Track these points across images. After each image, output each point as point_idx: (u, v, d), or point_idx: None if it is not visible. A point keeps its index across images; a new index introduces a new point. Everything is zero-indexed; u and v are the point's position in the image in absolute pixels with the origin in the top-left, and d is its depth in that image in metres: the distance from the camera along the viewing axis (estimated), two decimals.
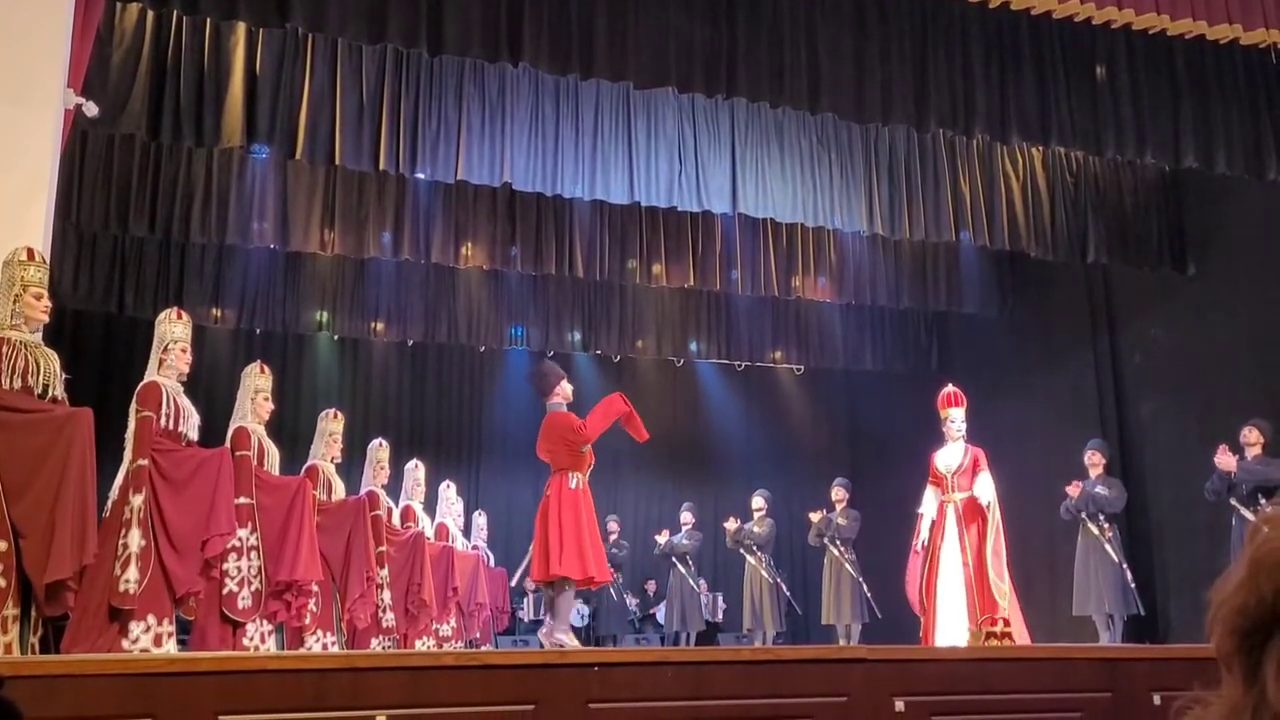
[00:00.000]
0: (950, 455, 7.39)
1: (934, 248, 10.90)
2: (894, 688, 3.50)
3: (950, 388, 7.60)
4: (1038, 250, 9.68)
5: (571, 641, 6.08)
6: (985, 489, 7.11)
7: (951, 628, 6.87)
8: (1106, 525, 8.71)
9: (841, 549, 10.53)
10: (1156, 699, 3.67)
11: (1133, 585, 8.53)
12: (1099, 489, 8.77)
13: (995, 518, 7.02)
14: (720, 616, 12.37)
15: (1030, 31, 7.68)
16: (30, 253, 4.34)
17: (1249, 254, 9.11)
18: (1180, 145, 7.92)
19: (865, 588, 10.39)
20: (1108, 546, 8.62)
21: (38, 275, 4.29)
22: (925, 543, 7.21)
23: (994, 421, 11.70)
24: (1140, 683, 3.75)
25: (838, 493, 10.85)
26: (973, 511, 7.12)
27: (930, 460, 7.52)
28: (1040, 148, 9.13)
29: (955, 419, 7.41)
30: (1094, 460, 8.96)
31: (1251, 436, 7.68)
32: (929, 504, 7.35)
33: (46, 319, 4.32)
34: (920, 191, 9.26)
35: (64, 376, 4.27)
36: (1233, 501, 7.56)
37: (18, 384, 4.06)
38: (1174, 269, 9.90)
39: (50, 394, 4.17)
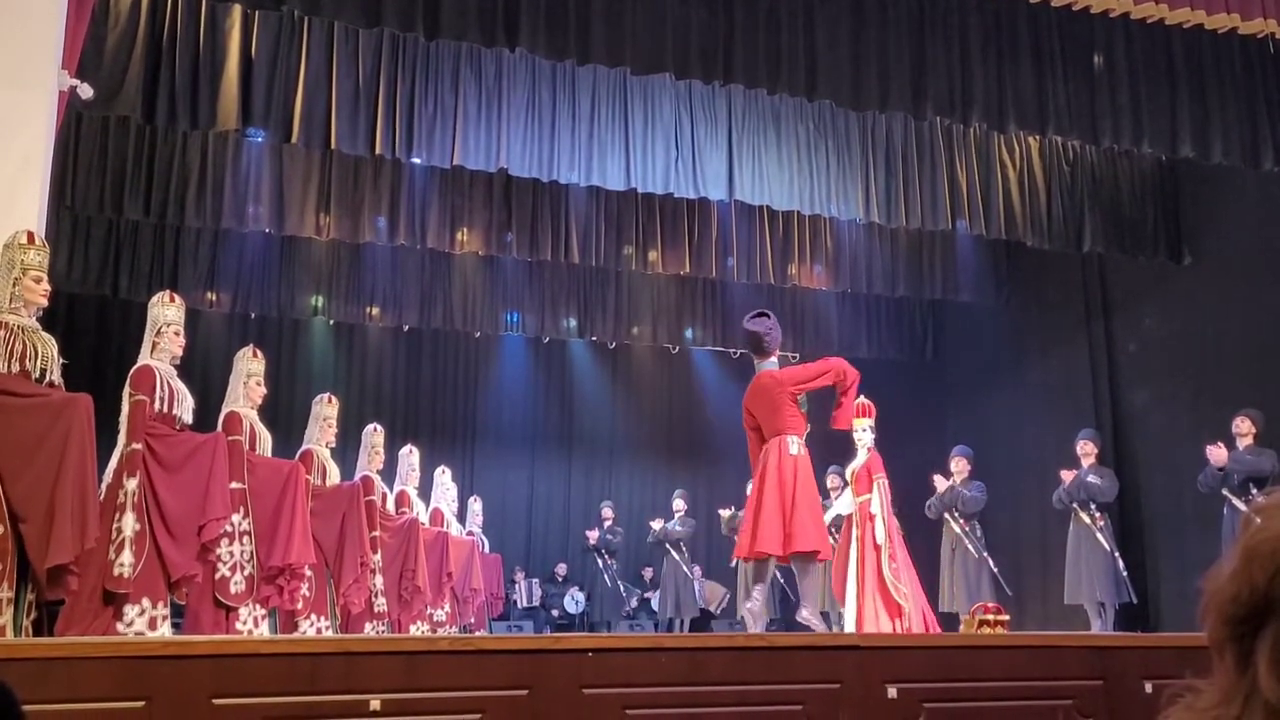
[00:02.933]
0: (855, 462, 7.47)
1: (930, 236, 10.90)
2: (886, 674, 3.51)
3: (860, 399, 7.63)
4: (1034, 239, 9.69)
5: (819, 625, 5.80)
6: (874, 501, 7.20)
7: (851, 624, 6.98)
8: (1098, 514, 8.73)
9: (835, 536, 10.54)
10: (1148, 687, 3.69)
11: (1124, 574, 8.56)
12: (1091, 478, 8.79)
13: (882, 529, 7.08)
14: (715, 607, 12.39)
15: (1028, 20, 7.66)
16: (30, 236, 4.33)
17: (1244, 244, 9.13)
18: (1177, 135, 7.92)
19: None
20: (1099, 535, 8.65)
21: (37, 259, 4.28)
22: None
23: (988, 409, 11.75)
24: (1132, 671, 3.77)
25: (832, 480, 10.85)
26: (867, 517, 7.21)
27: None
28: (1037, 137, 9.12)
29: (860, 428, 7.41)
30: (1086, 450, 8.98)
31: (1243, 426, 7.69)
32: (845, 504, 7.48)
33: (45, 303, 4.31)
34: (917, 180, 9.26)
35: (61, 361, 4.26)
36: (1225, 491, 7.58)
37: (15, 368, 4.05)
38: (1169, 258, 9.91)
39: (48, 379, 4.16)
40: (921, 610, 7.02)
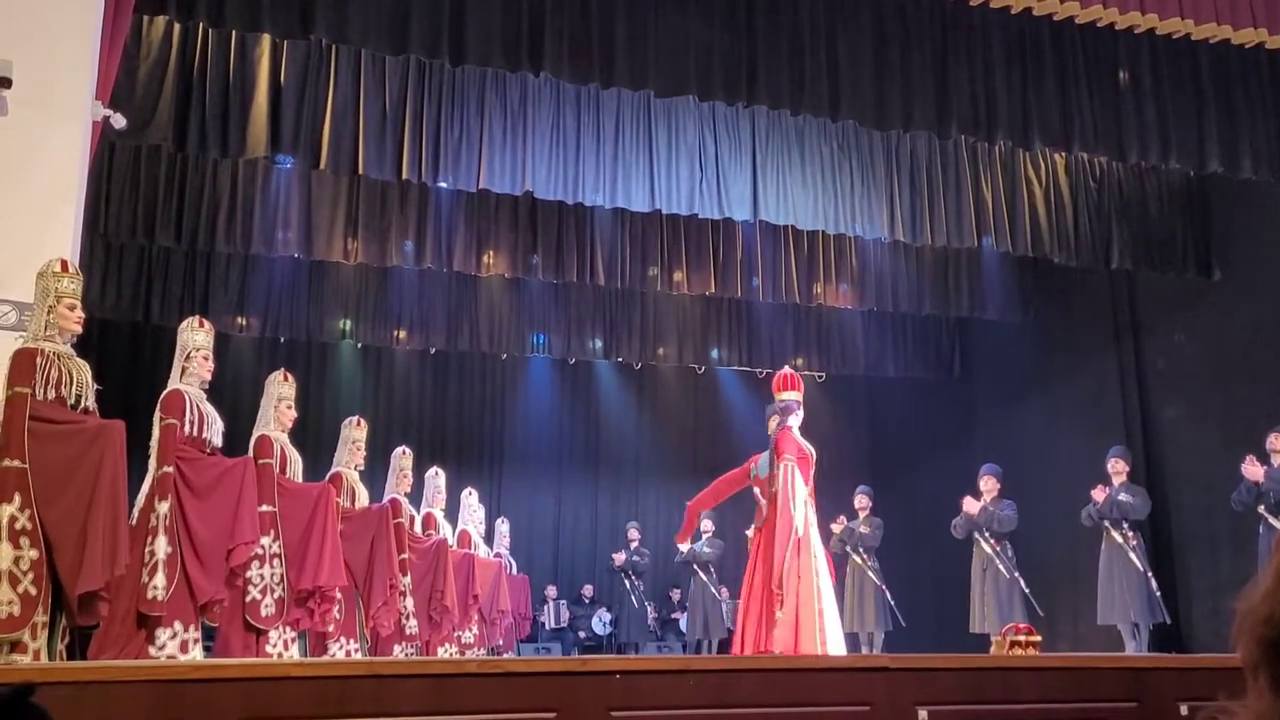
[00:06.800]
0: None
1: (956, 253, 10.87)
2: (917, 696, 3.49)
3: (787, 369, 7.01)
4: (1061, 256, 9.63)
5: None
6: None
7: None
8: (1130, 533, 8.62)
9: (864, 557, 10.49)
10: (1183, 709, 3.64)
11: (1158, 593, 8.45)
12: (1123, 496, 8.69)
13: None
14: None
15: (1052, 37, 7.65)
16: (64, 264, 4.39)
17: (1274, 259, 9.03)
18: (1205, 150, 7.86)
19: (888, 595, 10.33)
20: (1132, 554, 8.53)
21: (71, 287, 4.34)
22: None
23: (1016, 427, 11.66)
24: (1166, 692, 3.72)
25: (860, 500, 10.81)
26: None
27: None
28: (1063, 153, 9.08)
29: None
30: (1118, 468, 8.88)
31: (1278, 444, 7.59)
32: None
33: (80, 330, 4.37)
34: (942, 197, 9.24)
35: (96, 387, 4.31)
36: (1260, 510, 7.48)
37: (51, 395, 4.10)
38: (1199, 274, 9.82)
39: (82, 405, 4.21)
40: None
